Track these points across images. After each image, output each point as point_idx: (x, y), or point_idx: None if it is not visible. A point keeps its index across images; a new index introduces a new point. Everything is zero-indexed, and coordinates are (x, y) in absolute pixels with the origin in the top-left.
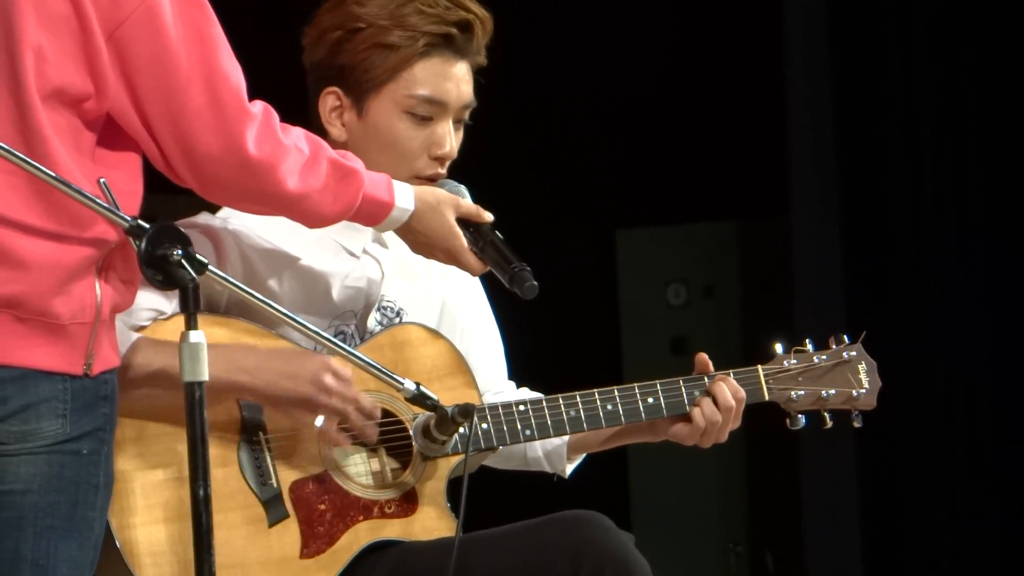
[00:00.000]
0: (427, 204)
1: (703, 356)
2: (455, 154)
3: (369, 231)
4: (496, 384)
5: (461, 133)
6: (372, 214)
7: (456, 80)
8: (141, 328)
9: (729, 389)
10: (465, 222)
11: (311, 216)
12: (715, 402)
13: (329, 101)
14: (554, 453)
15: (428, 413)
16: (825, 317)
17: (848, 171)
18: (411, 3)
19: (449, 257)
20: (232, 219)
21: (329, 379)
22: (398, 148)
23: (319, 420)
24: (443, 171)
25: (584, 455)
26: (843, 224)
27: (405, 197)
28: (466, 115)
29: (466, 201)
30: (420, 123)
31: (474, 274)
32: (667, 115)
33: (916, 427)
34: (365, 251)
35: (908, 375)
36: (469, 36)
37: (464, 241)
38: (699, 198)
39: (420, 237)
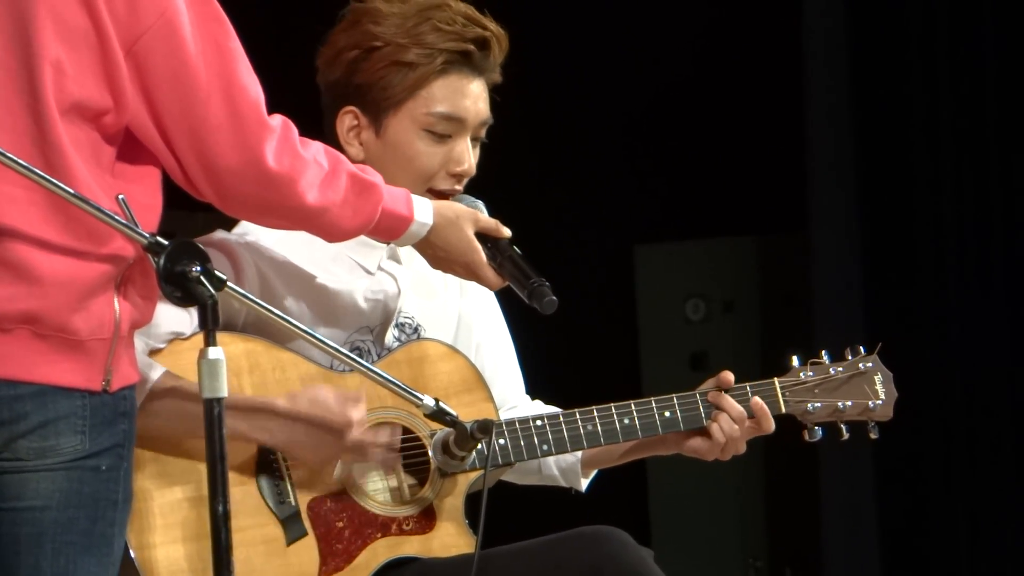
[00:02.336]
0: (446, 219)
1: (728, 375)
2: (473, 171)
3: (383, 248)
4: (512, 398)
5: (478, 151)
6: (391, 228)
7: (474, 97)
8: (159, 350)
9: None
10: (483, 237)
11: (330, 230)
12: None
13: (347, 120)
14: (569, 470)
15: (446, 429)
16: (844, 332)
17: (867, 185)
18: (428, 21)
19: (468, 272)
20: (248, 234)
21: (354, 436)
22: (417, 166)
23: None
24: (460, 187)
25: (597, 469)
26: (862, 239)
27: (424, 211)
28: (483, 132)
29: (484, 216)
30: (439, 141)
31: (492, 289)
32: (685, 130)
33: (936, 440)
34: (380, 268)
35: (928, 387)
36: (486, 53)
37: (483, 256)
38: (718, 213)
39: (439, 252)
